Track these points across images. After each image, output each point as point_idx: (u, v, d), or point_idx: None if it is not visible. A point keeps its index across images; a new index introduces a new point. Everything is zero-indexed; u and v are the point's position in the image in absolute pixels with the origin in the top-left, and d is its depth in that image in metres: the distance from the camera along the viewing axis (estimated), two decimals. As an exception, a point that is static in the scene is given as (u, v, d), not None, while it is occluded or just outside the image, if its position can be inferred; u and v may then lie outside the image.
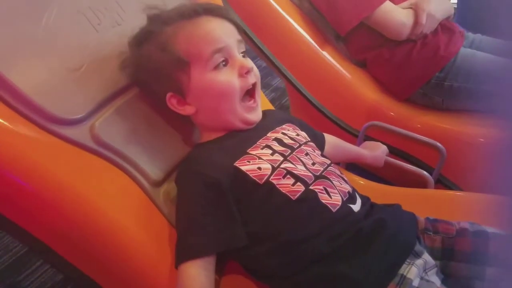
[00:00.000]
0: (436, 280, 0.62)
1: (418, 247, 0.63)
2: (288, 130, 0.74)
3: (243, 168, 0.64)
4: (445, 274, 0.64)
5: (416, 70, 1.18)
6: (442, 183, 1.14)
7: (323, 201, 0.63)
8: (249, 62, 0.70)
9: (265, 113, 0.76)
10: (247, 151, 0.67)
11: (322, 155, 0.73)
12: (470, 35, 1.31)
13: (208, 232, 0.61)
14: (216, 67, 0.68)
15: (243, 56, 0.71)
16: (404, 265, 0.59)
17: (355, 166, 1.09)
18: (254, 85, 0.71)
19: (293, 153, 0.68)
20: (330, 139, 0.90)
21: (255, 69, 0.72)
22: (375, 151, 0.96)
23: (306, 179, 0.64)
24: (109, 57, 0.73)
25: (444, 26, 1.20)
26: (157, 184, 0.70)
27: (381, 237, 0.60)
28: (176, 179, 0.69)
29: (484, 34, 1.31)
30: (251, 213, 0.63)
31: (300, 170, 0.65)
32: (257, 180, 0.63)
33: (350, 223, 0.62)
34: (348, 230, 0.61)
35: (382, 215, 0.64)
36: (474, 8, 1.61)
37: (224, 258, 0.65)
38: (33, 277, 1.21)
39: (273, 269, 0.62)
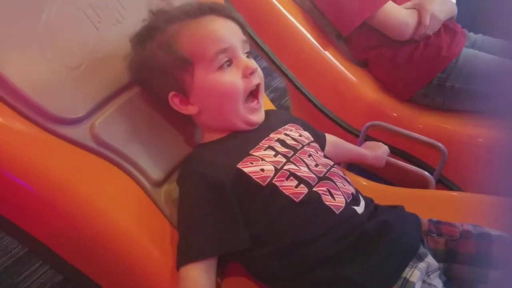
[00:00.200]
0: (438, 283, 0.61)
1: (421, 250, 0.62)
2: (291, 130, 0.74)
3: (246, 170, 0.63)
4: (448, 277, 0.64)
5: (418, 71, 1.18)
6: (443, 183, 1.14)
7: (326, 203, 0.62)
8: (253, 63, 0.70)
9: (267, 113, 0.75)
10: (250, 152, 0.66)
11: (325, 156, 0.73)
12: (472, 35, 1.30)
13: (210, 234, 0.61)
14: (220, 68, 0.67)
15: (247, 57, 0.71)
16: (407, 268, 0.59)
17: (355, 166, 1.09)
18: (258, 86, 0.70)
19: (296, 155, 0.67)
20: (331, 139, 0.90)
21: (259, 70, 0.71)
22: (376, 151, 0.96)
23: (309, 181, 0.64)
24: (110, 55, 0.72)
25: (446, 27, 1.20)
26: (158, 184, 0.69)
27: (385, 240, 0.60)
28: (178, 179, 0.68)
29: (484, 34, 1.31)
30: (254, 215, 0.63)
31: (303, 171, 0.65)
32: (260, 182, 0.62)
33: (354, 225, 0.62)
34: (352, 232, 0.60)
35: (386, 217, 0.63)
36: (472, 8, 1.60)
37: (226, 260, 0.65)
38: (32, 278, 1.20)
39: (276, 271, 0.62)
